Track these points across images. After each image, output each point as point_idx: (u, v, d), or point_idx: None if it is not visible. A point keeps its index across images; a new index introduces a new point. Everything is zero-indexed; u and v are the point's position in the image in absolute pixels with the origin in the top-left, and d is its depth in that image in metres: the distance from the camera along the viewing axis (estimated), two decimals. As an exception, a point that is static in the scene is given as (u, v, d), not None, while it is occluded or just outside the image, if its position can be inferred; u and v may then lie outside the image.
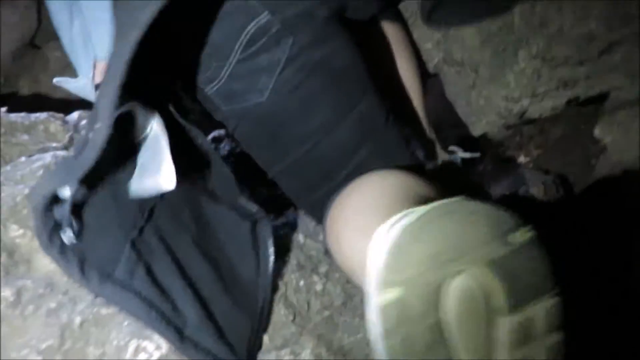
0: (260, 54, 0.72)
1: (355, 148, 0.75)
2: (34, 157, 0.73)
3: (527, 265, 0.54)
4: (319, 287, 0.89)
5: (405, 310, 0.52)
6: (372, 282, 0.54)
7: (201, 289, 0.69)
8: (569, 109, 0.91)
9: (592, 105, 1.08)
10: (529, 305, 0.53)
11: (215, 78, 0.75)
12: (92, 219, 0.62)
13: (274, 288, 0.83)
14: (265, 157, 0.83)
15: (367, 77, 0.79)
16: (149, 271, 0.65)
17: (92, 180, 0.60)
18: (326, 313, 0.85)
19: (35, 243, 0.70)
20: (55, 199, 0.57)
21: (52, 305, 0.63)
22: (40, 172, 0.70)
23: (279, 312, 0.82)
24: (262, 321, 0.75)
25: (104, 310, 0.69)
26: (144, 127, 0.66)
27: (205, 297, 0.69)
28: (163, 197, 0.69)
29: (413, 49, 1.07)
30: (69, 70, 1.29)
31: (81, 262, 0.60)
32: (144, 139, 0.67)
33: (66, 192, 0.57)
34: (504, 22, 0.79)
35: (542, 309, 0.54)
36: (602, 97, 0.86)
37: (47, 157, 0.73)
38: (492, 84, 0.86)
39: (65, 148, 0.81)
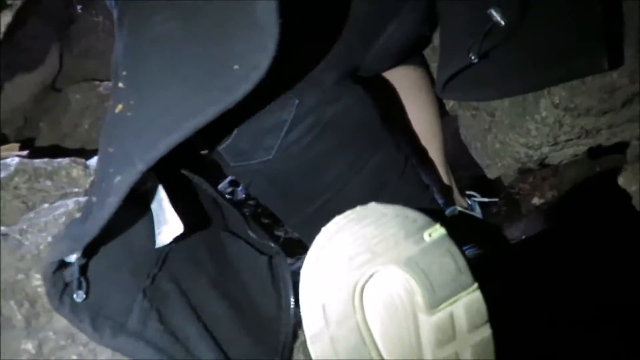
0: (263, 116, 0.72)
1: (369, 200, 0.74)
2: (57, 204, 0.73)
3: (441, 262, 0.55)
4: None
5: (328, 314, 0.55)
6: (301, 291, 0.57)
7: (219, 331, 0.69)
8: (587, 154, 0.90)
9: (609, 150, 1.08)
10: (447, 302, 0.54)
11: (225, 135, 0.75)
12: (103, 269, 0.63)
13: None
14: (279, 211, 0.83)
15: (381, 129, 0.79)
16: (162, 319, 0.65)
17: (99, 242, 0.61)
18: None
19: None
20: (63, 263, 0.59)
21: (73, 357, 0.62)
22: (63, 219, 0.70)
23: (298, 361, 0.81)
24: (284, 355, 0.74)
25: (123, 362, 0.67)
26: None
27: (223, 339, 0.69)
28: (178, 241, 0.69)
29: (434, 94, 1.07)
30: (89, 111, 1.32)
31: (93, 317, 0.61)
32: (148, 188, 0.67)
33: (73, 257, 0.59)
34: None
35: (461, 306, 0.55)
36: (623, 146, 0.86)
37: (70, 204, 0.73)
38: (511, 131, 0.86)
39: (87, 193, 0.81)
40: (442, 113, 1.35)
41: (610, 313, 1.02)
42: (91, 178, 0.83)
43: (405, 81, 1.05)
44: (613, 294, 1.07)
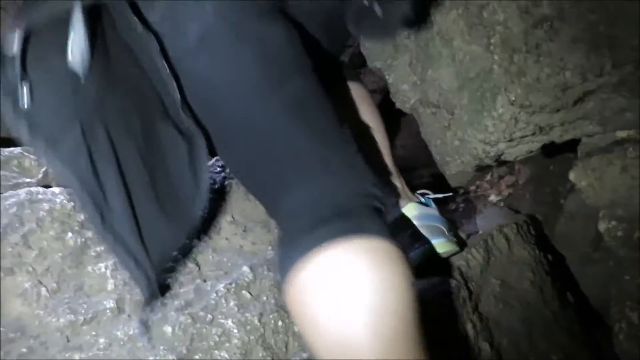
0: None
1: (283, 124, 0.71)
2: (7, 194, 0.70)
3: None
4: (297, 327, 0.87)
5: None
6: None
7: (133, 191, 0.72)
8: (542, 152, 0.93)
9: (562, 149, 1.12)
10: None
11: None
12: (44, 97, 0.66)
13: (254, 328, 0.82)
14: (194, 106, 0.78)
15: (303, 59, 0.76)
16: (91, 157, 0.68)
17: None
18: (304, 355, 0.84)
19: (5, 285, 0.68)
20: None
21: (23, 350, 0.60)
22: (14, 209, 0.67)
23: (257, 354, 0.80)
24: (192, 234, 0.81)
25: (77, 355, 0.66)
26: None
27: (135, 199, 0.72)
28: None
29: (375, 105, 1.11)
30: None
31: (32, 126, 0.64)
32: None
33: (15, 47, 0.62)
34: (483, 69, 0.82)
35: None
36: (575, 143, 0.89)
37: (22, 194, 0.70)
38: (470, 128, 0.87)
39: (39, 183, 0.78)
40: (401, 113, 1.38)
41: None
42: (44, 168, 0.80)
43: (354, 97, 1.09)
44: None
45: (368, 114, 1.10)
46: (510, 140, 0.83)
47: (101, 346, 0.68)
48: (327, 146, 0.69)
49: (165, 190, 0.75)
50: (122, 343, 0.70)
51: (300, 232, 0.64)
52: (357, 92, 1.11)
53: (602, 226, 0.80)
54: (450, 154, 1.21)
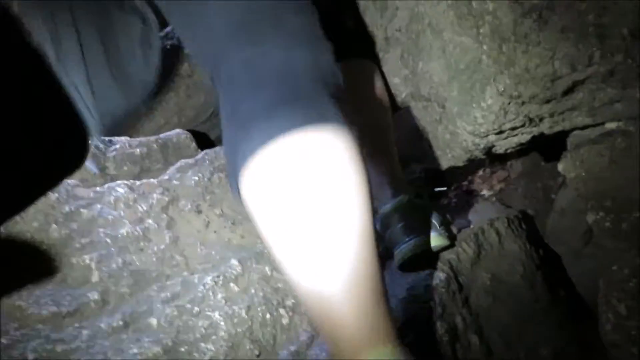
0: None
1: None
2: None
3: None
4: (285, 320, 0.87)
5: None
6: None
7: (88, 58, 0.72)
8: (532, 145, 0.93)
9: (553, 144, 1.12)
10: None
11: None
12: None
13: (241, 321, 0.81)
14: None
15: None
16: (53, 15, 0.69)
17: None
18: (292, 348, 0.83)
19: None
20: None
21: (3, 341, 0.59)
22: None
23: (244, 347, 0.79)
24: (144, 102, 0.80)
25: (59, 347, 0.65)
26: None
27: (89, 64, 0.72)
28: None
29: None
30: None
31: None
32: None
33: None
34: (472, 60, 0.81)
35: None
36: (564, 135, 0.89)
37: None
38: (459, 119, 0.87)
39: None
40: (396, 107, 1.37)
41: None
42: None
43: (359, 75, 1.05)
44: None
45: (379, 98, 1.07)
46: (500, 132, 0.82)
47: (84, 338, 0.67)
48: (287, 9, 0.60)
49: (118, 62, 0.76)
50: (106, 335, 0.69)
51: (254, 118, 0.56)
52: (371, 74, 1.06)
53: (590, 217, 0.80)
54: (442, 148, 1.21)
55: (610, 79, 0.72)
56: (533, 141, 0.88)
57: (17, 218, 0.74)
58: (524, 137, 0.86)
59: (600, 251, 0.94)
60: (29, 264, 0.72)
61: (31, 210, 0.76)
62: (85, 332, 0.68)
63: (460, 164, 1.22)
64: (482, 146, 0.88)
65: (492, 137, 0.85)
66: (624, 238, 0.76)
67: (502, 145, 0.90)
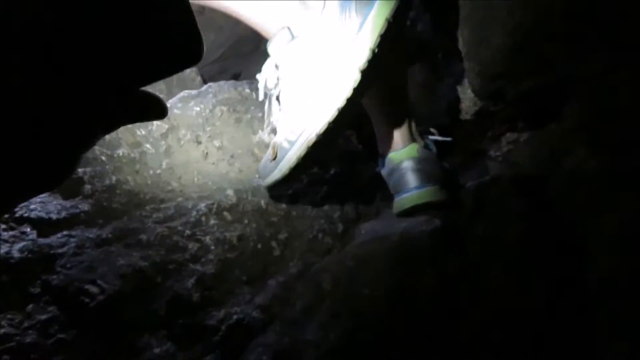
0: None
1: None
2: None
3: None
4: (276, 253, 0.86)
5: None
6: None
7: None
8: (543, 97, 0.90)
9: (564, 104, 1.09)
10: None
11: None
12: None
13: (232, 248, 0.81)
14: None
15: None
16: None
17: None
18: (280, 279, 0.83)
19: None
20: None
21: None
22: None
23: (232, 272, 0.80)
24: None
25: (46, 251, 0.65)
26: None
27: None
28: None
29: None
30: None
31: None
32: None
33: None
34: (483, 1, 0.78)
35: None
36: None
37: None
38: (468, 61, 0.84)
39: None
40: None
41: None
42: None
43: None
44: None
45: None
46: (510, 74, 0.79)
47: (72, 246, 0.67)
48: None
49: None
50: (94, 245, 0.69)
51: None
52: None
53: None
54: (449, 101, 1.18)
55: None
56: (545, 89, 0.85)
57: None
58: (532, 82, 0.83)
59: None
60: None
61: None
62: (73, 240, 0.68)
63: (468, 117, 1.20)
64: (491, 89, 0.85)
65: (500, 82, 0.82)
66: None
67: (511, 92, 0.87)
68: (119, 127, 0.41)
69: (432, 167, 1.01)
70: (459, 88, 1.11)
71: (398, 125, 1.03)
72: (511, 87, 0.84)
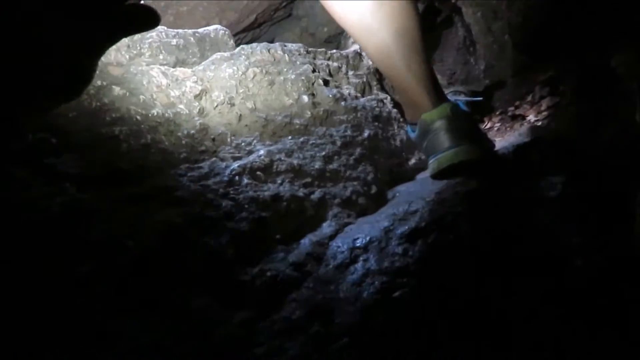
0: None
1: None
2: None
3: None
4: (310, 213, 0.86)
5: None
6: None
7: None
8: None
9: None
10: None
11: None
12: None
13: (266, 207, 0.81)
14: None
15: None
16: None
17: None
18: (314, 238, 0.83)
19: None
20: None
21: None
22: None
23: (268, 231, 0.80)
24: None
25: (85, 206, 0.66)
26: None
27: None
28: None
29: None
30: None
31: None
32: None
33: None
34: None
35: None
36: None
37: None
38: (509, 11, 0.80)
39: None
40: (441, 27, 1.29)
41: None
42: None
43: None
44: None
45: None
46: (549, 23, 0.76)
47: (109, 202, 0.68)
48: None
49: None
50: (131, 202, 0.70)
51: None
52: None
53: None
54: (488, 60, 1.14)
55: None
56: (591, 44, 0.81)
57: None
58: (580, 34, 0.79)
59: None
60: (57, 129, 0.72)
61: (63, 77, 0.76)
62: (110, 196, 0.69)
63: (507, 78, 1.16)
64: (532, 44, 0.81)
65: (544, 34, 0.78)
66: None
67: (554, 47, 0.83)
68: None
69: (466, 126, 0.98)
70: (497, 47, 1.07)
71: (426, 86, 1.00)
72: (555, 41, 0.80)
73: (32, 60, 0.45)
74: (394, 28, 0.96)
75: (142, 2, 0.99)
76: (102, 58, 0.88)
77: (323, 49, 1.31)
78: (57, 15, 0.44)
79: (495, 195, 0.96)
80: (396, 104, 1.22)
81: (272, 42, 1.76)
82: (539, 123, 1.39)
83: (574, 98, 1.42)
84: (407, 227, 0.81)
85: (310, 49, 1.24)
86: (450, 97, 1.08)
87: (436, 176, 0.97)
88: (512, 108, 1.55)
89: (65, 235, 0.61)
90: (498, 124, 1.51)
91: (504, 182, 1.00)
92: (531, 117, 1.44)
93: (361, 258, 0.78)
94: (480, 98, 1.12)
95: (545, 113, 1.43)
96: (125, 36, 0.64)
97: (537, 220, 0.97)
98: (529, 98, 1.55)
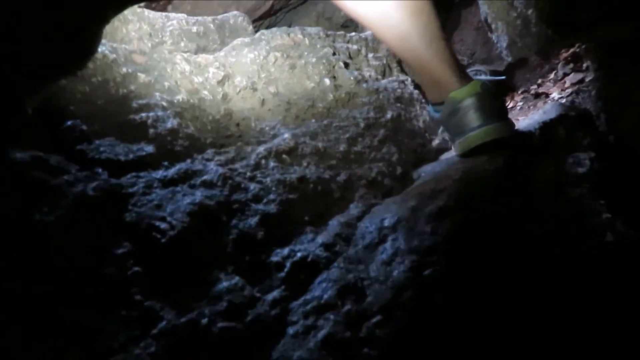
0: None
1: None
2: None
3: None
4: (336, 194, 0.86)
5: None
6: None
7: None
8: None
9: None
10: None
11: None
12: None
13: (293, 188, 0.81)
14: None
15: None
16: None
17: None
18: (342, 220, 0.83)
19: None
20: None
21: (66, 179, 0.62)
22: None
23: (295, 213, 0.80)
24: None
25: (117, 190, 0.67)
26: None
27: None
28: None
29: None
30: None
31: None
32: None
33: None
34: None
35: None
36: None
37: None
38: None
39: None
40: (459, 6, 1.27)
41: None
42: None
43: None
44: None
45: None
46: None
47: (141, 185, 0.69)
48: None
49: None
50: (161, 186, 0.71)
51: None
52: None
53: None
54: (511, 36, 1.13)
55: None
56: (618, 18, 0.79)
57: (77, 73, 0.76)
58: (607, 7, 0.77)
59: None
60: (87, 117, 0.73)
61: (90, 65, 0.77)
62: (141, 180, 0.70)
63: (531, 57, 1.14)
64: (554, 13, 0.79)
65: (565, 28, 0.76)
66: None
67: (582, 19, 0.81)
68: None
69: (495, 103, 0.97)
70: (519, 23, 1.05)
71: (450, 64, 0.98)
72: (583, 12, 0.78)
73: (34, 25, 0.44)
74: (409, 9, 0.95)
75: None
76: (126, 46, 0.89)
77: (342, 32, 1.30)
78: None
79: (523, 172, 0.95)
80: (417, 85, 1.21)
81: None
82: (563, 100, 1.37)
83: (599, 74, 1.40)
84: (435, 206, 0.80)
85: (329, 32, 1.24)
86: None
87: (466, 154, 0.95)
88: (534, 86, 1.53)
89: (101, 218, 0.62)
90: (521, 103, 1.49)
91: (532, 159, 0.99)
92: (555, 95, 1.42)
93: (390, 237, 0.78)
94: (503, 77, 1.10)
95: (569, 90, 1.41)
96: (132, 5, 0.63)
97: (566, 197, 0.96)
98: (552, 75, 1.53)
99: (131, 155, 0.72)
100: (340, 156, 0.92)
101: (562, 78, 1.46)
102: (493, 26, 1.19)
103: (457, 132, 0.97)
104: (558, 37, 0.89)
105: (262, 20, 1.77)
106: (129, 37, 0.96)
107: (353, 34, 1.32)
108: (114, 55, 0.81)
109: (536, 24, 1.04)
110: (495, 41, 1.25)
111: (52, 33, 0.46)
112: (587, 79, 1.41)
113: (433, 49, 0.97)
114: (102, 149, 0.70)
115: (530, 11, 1.01)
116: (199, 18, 1.09)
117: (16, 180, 0.57)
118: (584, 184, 0.99)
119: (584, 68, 1.46)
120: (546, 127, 1.05)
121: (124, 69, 0.82)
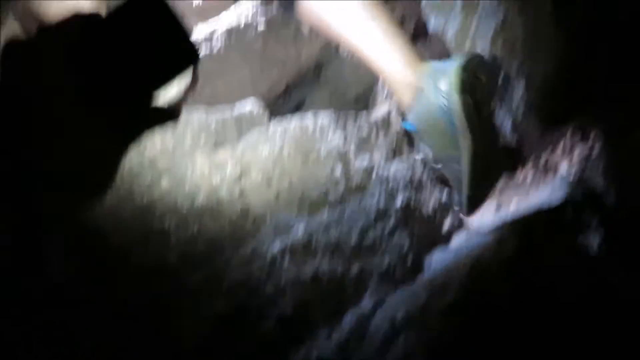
0: None
1: None
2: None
3: None
4: (349, 290, 0.90)
5: None
6: None
7: None
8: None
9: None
10: None
11: None
12: None
13: (307, 289, 0.85)
14: None
15: None
16: None
17: None
18: (356, 314, 0.86)
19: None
20: None
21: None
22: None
23: (311, 310, 0.83)
24: None
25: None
26: None
27: None
28: None
29: None
30: None
31: None
32: None
33: None
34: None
35: None
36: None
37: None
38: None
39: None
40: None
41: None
42: None
43: None
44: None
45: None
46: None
47: (164, 292, 0.73)
48: None
49: None
50: (183, 293, 0.75)
51: None
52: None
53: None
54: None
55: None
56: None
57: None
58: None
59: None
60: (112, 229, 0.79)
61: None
62: (165, 287, 0.74)
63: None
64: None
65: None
66: None
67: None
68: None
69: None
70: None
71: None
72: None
73: None
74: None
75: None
76: (151, 148, 0.95)
77: (352, 112, 1.37)
78: None
79: (533, 258, 0.97)
80: (428, 168, 1.25)
81: (303, 102, 1.83)
82: (571, 175, 1.39)
83: (607, 144, 1.42)
84: (445, 303, 0.83)
85: (340, 114, 1.29)
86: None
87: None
88: (544, 158, 1.55)
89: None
90: (531, 175, 1.51)
91: (542, 243, 1.01)
92: (564, 168, 1.44)
93: (402, 335, 0.80)
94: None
95: (577, 163, 1.43)
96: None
97: (577, 281, 0.98)
98: (560, 147, 1.55)
99: (154, 263, 0.77)
100: (352, 249, 0.96)
101: (570, 149, 1.49)
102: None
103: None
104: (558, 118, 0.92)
105: (278, 98, 1.85)
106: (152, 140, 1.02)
107: (364, 115, 1.38)
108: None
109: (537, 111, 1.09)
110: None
111: None
112: (594, 152, 1.44)
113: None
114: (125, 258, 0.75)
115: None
116: (218, 116, 1.16)
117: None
118: (595, 265, 1.01)
119: (591, 137, 1.49)
120: (554, 209, 1.08)
121: (149, 177, 0.89)
